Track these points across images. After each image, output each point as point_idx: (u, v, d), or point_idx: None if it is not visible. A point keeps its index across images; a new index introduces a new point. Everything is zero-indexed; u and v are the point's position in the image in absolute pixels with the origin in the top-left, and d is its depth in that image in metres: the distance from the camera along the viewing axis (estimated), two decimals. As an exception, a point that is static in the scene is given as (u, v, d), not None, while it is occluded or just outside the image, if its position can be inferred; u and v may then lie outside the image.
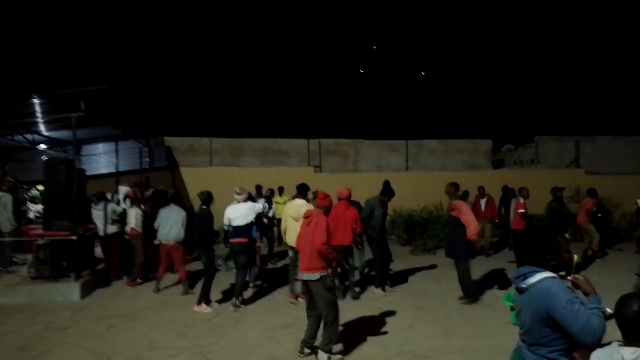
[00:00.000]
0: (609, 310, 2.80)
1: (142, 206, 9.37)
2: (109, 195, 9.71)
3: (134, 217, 9.07)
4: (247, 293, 8.21)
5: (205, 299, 7.42)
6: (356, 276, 8.55)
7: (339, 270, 7.87)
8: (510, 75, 28.77)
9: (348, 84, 31.21)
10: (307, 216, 5.66)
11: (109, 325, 6.70)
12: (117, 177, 12.60)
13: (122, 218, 9.29)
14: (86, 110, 8.31)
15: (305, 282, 5.43)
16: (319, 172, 16.80)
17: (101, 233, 9.26)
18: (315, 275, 5.25)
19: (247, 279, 8.02)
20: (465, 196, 11.60)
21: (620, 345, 2.24)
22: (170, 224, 8.09)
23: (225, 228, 7.80)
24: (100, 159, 15.12)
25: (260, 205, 8.26)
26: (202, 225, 7.57)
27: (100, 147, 14.72)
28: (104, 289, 8.75)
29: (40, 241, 8.33)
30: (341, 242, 7.51)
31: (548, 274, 2.71)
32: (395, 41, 31.74)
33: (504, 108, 28.07)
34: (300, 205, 7.56)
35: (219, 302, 7.76)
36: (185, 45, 28.51)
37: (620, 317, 2.25)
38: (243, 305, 7.50)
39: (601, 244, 11.08)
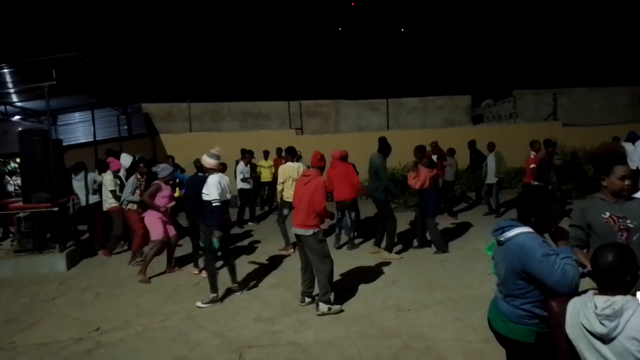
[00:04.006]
0: (584, 270, 2.86)
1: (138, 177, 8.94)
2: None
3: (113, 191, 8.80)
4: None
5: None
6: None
7: (344, 222, 8.64)
8: (489, 30, 28.59)
9: (327, 43, 30.74)
10: (305, 175, 5.78)
11: (96, 294, 6.74)
12: (95, 146, 12.41)
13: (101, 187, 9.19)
14: (58, 78, 8.10)
15: (298, 237, 5.63)
16: (300, 134, 16.72)
17: (82, 203, 9.20)
18: (309, 232, 5.46)
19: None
20: (452, 153, 11.66)
21: (595, 294, 2.31)
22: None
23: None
24: (78, 128, 14.83)
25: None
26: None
27: (77, 116, 14.42)
28: (90, 259, 8.74)
29: (22, 214, 8.25)
30: (339, 198, 8.36)
31: (525, 228, 2.71)
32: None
33: (483, 63, 28.03)
34: (298, 166, 8.28)
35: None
36: (161, 9, 27.60)
37: (595, 269, 2.31)
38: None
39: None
